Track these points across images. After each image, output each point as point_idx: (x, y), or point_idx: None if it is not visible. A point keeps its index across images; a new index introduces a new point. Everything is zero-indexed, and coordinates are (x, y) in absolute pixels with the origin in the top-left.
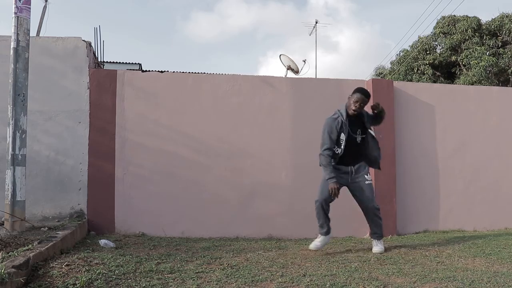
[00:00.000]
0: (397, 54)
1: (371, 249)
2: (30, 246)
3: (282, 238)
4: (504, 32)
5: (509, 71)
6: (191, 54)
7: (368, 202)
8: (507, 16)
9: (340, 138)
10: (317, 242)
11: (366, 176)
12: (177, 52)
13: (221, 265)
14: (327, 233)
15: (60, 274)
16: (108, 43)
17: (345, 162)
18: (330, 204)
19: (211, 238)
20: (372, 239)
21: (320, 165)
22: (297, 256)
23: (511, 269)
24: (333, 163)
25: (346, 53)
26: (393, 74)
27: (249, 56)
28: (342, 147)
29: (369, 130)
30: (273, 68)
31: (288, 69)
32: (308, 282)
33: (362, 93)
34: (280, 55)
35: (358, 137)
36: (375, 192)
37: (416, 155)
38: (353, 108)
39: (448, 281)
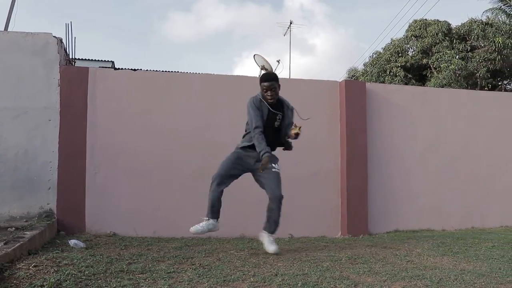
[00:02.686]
0: (370, 56)
1: (265, 247)
2: None
3: (254, 238)
4: (473, 37)
5: (477, 74)
6: (167, 54)
7: (274, 190)
8: (475, 22)
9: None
10: (199, 225)
11: (274, 164)
12: (153, 52)
13: (193, 265)
14: (215, 216)
15: (27, 276)
16: (84, 41)
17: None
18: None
19: (183, 238)
20: (264, 233)
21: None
22: (269, 255)
23: (477, 267)
24: (248, 144)
25: (321, 55)
26: (366, 76)
27: (224, 56)
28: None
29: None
30: (248, 68)
31: (262, 69)
32: (280, 282)
33: (266, 79)
34: (254, 55)
35: (277, 122)
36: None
37: (388, 156)
38: (269, 98)
39: (417, 279)
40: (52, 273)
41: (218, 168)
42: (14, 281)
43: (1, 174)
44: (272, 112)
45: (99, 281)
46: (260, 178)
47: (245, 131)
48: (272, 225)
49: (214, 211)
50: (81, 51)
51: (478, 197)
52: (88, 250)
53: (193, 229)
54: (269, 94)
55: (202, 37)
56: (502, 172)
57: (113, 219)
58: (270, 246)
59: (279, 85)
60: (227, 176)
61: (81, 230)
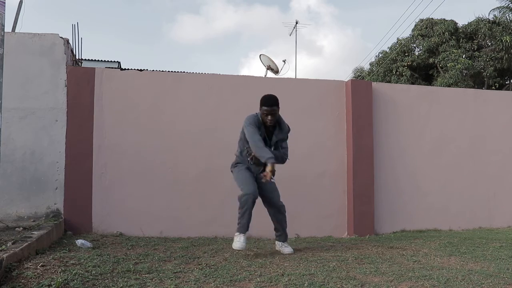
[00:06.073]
0: (376, 56)
1: (284, 252)
2: (3, 246)
3: (260, 237)
4: (480, 36)
5: (484, 73)
6: (174, 55)
7: (278, 201)
8: (482, 21)
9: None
10: (241, 241)
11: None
12: (160, 53)
13: (199, 264)
14: (247, 229)
15: (35, 275)
16: (90, 42)
17: (255, 163)
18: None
19: (190, 238)
20: (280, 242)
21: (252, 156)
22: (275, 255)
23: (485, 267)
24: (248, 162)
25: (328, 56)
26: (372, 75)
27: (231, 56)
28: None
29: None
30: (255, 69)
31: (268, 69)
32: (286, 282)
33: (267, 104)
34: (260, 55)
35: (273, 141)
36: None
37: (394, 155)
38: (268, 122)
39: (424, 279)
40: (60, 272)
41: (242, 185)
42: (22, 281)
43: (9, 174)
44: (268, 133)
45: (106, 280)
46: (261, 189)
47: (238, 150)
48: (286, 233)
49: (246, 225)
50: (87, 51)
51: (485, 197)
52: (95, 250)
53: (236, 246)
54: (269, 119)
55: (210, 38)
56: (509, 171)
57: (120, 219)
58: (289, 249)
59: (279, 108)
60: (252, 180)
61: (88, 230)
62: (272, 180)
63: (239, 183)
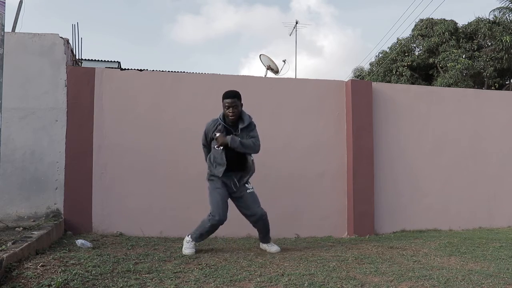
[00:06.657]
0: (376, 56)
1: (271, 251)
2: (3, 246)
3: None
4: (480, 36)
5: (484, 73)
6: (174, 55)
7: (256, 210)
8: (482, 21)
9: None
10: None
11: (246, 185)
12: (160, 53)
13: (199, 264)
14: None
15: (35, 275)
16: (92, 42)
17: (227, 168)
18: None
19: None
20: (264, 243)
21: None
22: (275, 255)
23: (485, 267)
24: (219, 175)
25: (328, 57)
26: (372, 75)
27: (231, 56)
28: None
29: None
30: (255, 69)
31: (268, 69)
32: (286, 282)
33: (227, 97)
34: (260, 55)
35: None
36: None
37: (394, 155)
38: (230, 115)
39: (424, 279)
40: (60, 272)
41: (213, 207)
42: (22, 281)
43: (8, 174)
44: (230, 131)
45: (106, 280)
46: (238, 202)
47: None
48: (268, 236)
49: (201, 237)
50: (87, 51)
51: (485, 197)
52: (95, 250)
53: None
54: (230, 111)
55: (210, 38)
56: (509, 171)
57: (120, 219)
58: (273, 247)
59: (241, 104)
60: (224, 204)
61: (88, 230)
62: (248, 190)
63: (210, 203)
